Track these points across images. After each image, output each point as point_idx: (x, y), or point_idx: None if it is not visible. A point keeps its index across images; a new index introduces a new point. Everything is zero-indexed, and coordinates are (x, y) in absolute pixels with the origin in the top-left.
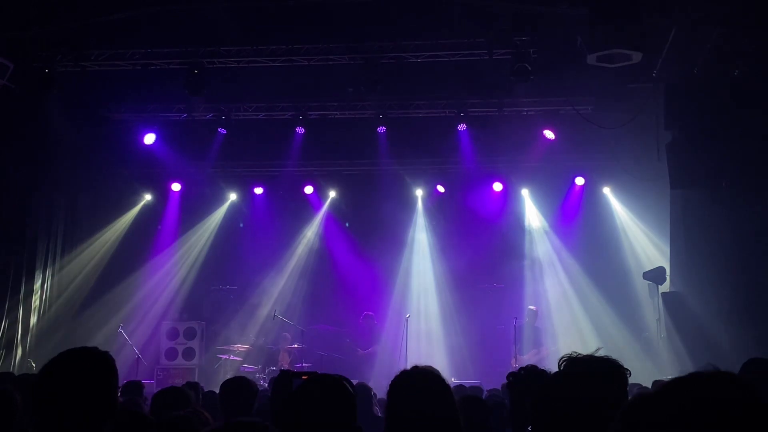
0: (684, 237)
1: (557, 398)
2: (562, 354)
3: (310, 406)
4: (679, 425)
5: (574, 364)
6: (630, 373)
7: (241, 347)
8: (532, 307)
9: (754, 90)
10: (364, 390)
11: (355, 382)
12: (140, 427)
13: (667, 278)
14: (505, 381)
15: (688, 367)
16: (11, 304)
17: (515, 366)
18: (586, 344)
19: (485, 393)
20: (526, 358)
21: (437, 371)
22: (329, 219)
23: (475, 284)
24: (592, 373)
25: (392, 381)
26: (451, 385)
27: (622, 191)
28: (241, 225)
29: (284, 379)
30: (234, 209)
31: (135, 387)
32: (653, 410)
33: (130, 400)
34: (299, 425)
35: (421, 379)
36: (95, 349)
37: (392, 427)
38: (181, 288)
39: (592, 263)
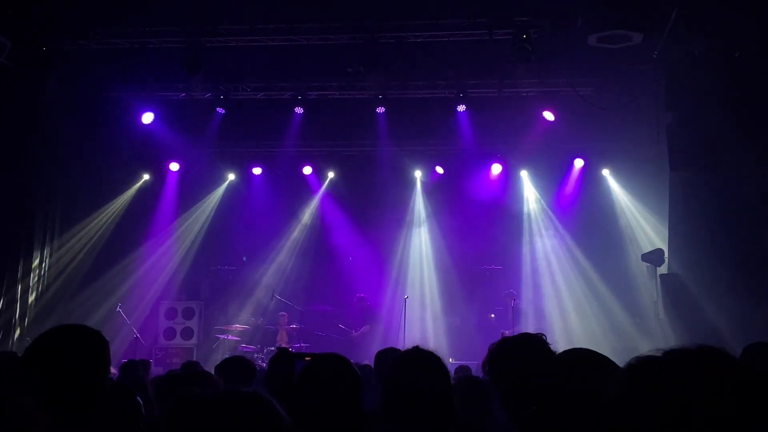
0: (683, 219)
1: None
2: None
3: (316, 387)
4: (684, 386)
5: (494, 352)
6: (545, 337)
7: (239, 327)
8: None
9: (754, 71)
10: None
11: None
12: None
13: (666, 260)
14: None
15: None
16: (9, 283)
17: None
18: (584, 325)
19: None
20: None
21: (438, 356)
22: (328, 200)
23: (474, 265)
24: (514, 354)
25: (395, 359)
26: (450, 366)
27: (621, 173)
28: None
29: (282, 358)
30: (232, 189)
31: (138, 366)
32: (662, 369)
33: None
34: (303, 407)
35: (421, 359)
36: (86, 327)
37: (387, 399)
38: (179, 268)
39: (591, 245)
